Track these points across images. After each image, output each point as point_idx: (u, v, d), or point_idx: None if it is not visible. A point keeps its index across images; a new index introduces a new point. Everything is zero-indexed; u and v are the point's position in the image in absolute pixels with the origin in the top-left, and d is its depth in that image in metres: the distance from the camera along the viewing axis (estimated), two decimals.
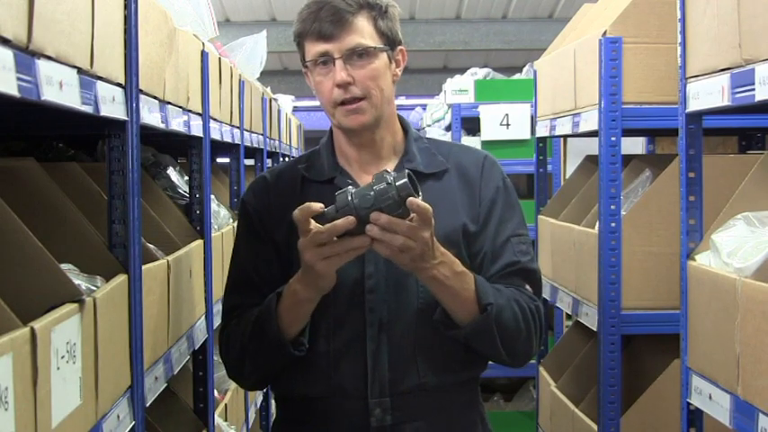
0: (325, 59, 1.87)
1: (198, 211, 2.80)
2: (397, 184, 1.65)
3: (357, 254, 1.72)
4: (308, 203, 1.71)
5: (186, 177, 2.97)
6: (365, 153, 1.95)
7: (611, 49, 2.89)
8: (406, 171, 1.69)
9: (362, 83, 1.86)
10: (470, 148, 2.09)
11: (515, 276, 1.91)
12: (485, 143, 5.84)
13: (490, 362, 1.99)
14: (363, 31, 1.87)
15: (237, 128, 3.66)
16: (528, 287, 1.91)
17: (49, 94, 1.36)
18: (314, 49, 1.88)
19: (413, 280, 1.87)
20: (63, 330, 1.41)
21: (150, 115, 2.05)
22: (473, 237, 1.93)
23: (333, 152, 1.99)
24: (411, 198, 1.65)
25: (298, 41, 1.93)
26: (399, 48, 1.95)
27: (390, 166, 1.95)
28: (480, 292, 1.81)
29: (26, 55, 1.29)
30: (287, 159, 6.29)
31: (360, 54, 1.86)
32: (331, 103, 1.88)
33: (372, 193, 1.66)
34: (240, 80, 3.78)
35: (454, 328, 1.84)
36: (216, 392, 3.10)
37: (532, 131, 5.02)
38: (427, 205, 1.67)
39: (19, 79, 1.24)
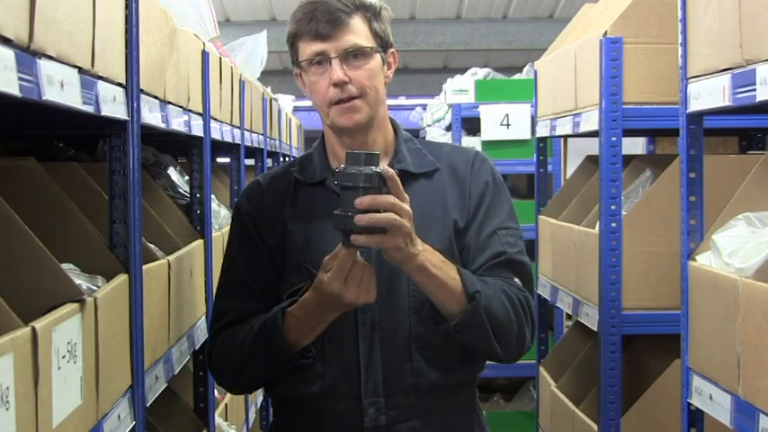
0: (321, 59, 1.87)
1: (198, 211, 2.80)
2: (374, 169, 1.66)
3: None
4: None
5: (187, 177, 2.97)
6: None
7: (612, 50, 2.89)
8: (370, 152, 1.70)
9: (358, 82, 1.86)
10: (462, 148, 2.10)
11: (502, 267, 1.89)
12: (485, 143, 5.84)
13: (488, 362, 1.98)
14: (359, 32, 1.88)
15: (238, 128, 3.66)
16: (516, 279, 1.89)
17: (51, 94, 1.36)
18: (309, 48, 1.88)
19: (404, 279, 1.87)
20: (64, 330, 1.41)
21: (151, 115, 2.06)
22: (462, 231, 1.93)
23: (324, 154, 1.99)
24: (382, 168, 1.66)
25: (291, 42, 1.93)
26: (391, 50, 1.95)
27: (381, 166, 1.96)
28: (466, 282, 1.80)
29: (27, 55, 1.29)
30: (287, 159, 6.29)
31: (355, 54, 1.87)
32: (326, 102, 1.88)
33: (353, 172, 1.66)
34: (241, 80, 3.78)
35: (444, 323, 1.82)
36: (216, 392, 3.10)
37: (533, 131, 5.02)
38: (392, 172, 1.68)
39: (20, 79, 1.24)
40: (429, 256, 1.76)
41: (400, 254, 1.71)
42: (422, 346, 1.88)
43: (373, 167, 1.65)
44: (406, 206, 1.68)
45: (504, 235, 1.92)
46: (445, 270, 1.78)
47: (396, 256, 1.72)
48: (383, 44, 1.92)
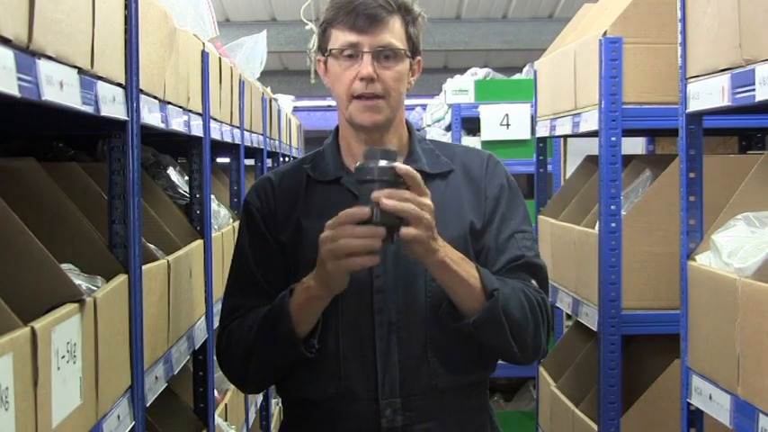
0: (353, 51, 1.86)
1: (198, 211, 2.80)
2: (390, 164, 1.67)
3: (367, 261, 1.70)
4: (353, 209, 1.68)
5: (186, 177, 2.97)
6: None
7: (612, 50, 2.89)
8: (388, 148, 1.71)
9: (385, 82, 1.86)
10: (474, 149, 2.09)
11: (520, 271, 1.90)
12: (485, 143, 5.84)
13: (500, 362, 1.98)
14: (395, 33, 1.87)
15: (238, 128, 3.67)
16: (533, 282, 1.90)
17: (50, 95, 1.36)
18: (344, 38, 1.86)
19: (421, 279, 1.87)
20: (63, 330, 1.41)
21: (150, 115, 2.06)
22: (479, 234, 1.93)
23: (338, 152, 1.98)
24: (399, 165, 1.66)
25: (324, 28, 1.91)
26: (418, 58, 1.95)
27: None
28: (485, 279, 1.80)
29: (27, 55, 1.29)
30: (287, 159, 6.29)
31: (387, 54, 1.86)
32: (349, 94, 1.87)
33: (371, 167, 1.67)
34: (240, 80, 3.78)
35: (462, 320, 1.82)
36: (216, 392, 3.10)
37: (532, 131, 5.02)
38: (415, 172, 1.69)
39: (20, 79, 1.24)
40: (449, 252, 1.77)
41: (422, 248, 1.71)
42: (439, 347, 1.88)
43: (391, 162, 1.66)
44: (427, 200, 1.69)
45: (521, 238, 1.93)
46: (465, 267, 1.79)
47: (417, 249, 1.72)
48: (413, 50, 1.92)
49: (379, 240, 1.67)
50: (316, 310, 1.82)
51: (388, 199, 1.64)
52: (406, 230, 1.67)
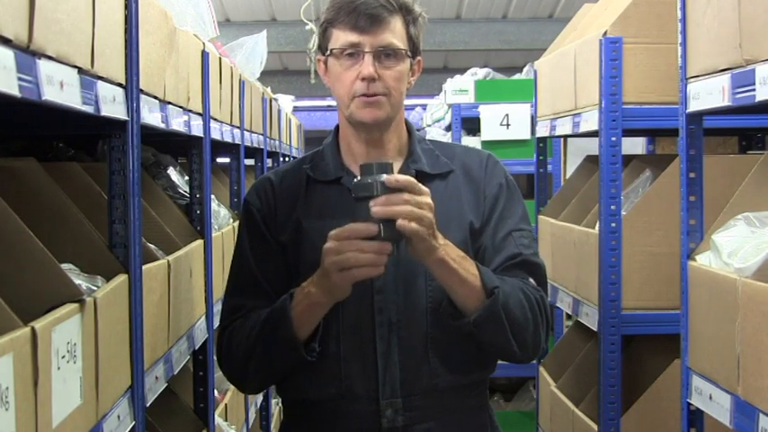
0: (354, 51, 1.86)
1: (198, 211, 2.80)
2: (381, 179, 1.67)
3: (372, 271, 1.70)
4: (359, 226, 1.69)
5: (186, 177, 2.97)
6: (372, 152, 1.94)
7: (612, 50, 2.89)
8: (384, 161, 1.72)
9: (386, 82, 1.86)
10: (473, 149, 2.09)
11: (518, 269, 1.90)
12: (485, 143, 5.83)
13: (500, 362, 1.98)
14: (396, 32, 1.88)
15: (238, 128, 3.67)
16: (531, 280, 1.90)
17: (50, 94, 1.36)
18: (345, 38, 1.86)
19: (422, 280, 1.87)
20: (63, 330, 1.41)
21: (151, 115, 2.06)
22: (477, 233, 1.93)
23: (338, 152, 1.98)
24: (388, 177, 1.66)
25: (325, 28, 1.91)
26: (418, 58, 1.95)
27: (396, 167, 1.95)
28: (485, 278, 1.80)
29: (27, 55, 1.29)
30: (287, 159, 6.29)
31: (388, 54, 1.86)
32: (350, 94, 1.87)
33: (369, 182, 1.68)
34: (240, 80, 3.78)
35: (462, 318, 1.82)
36: (216, 392, 3.10)
37: (532, 131, 5.03)
38: (406, 176, 1.69)
39: (20, 79, 1.24)
40: (449, 251, 1.77)
41: (423, 246, 1.72)
42: (439, 347, 1.88)
43: (386, 176, 1.67)
44: (426, 198, 1.69)
45: (518, 237, 1.93)
46: (465, 266, 1.79)
47: (419, 247, 1.72)
48: (414, 50, 1.92)
49: (385, 256, 1.69)
50: (317, 315, 1.82)
51: (388, 206, 1.65)
52: (406, 224, 1.66)
